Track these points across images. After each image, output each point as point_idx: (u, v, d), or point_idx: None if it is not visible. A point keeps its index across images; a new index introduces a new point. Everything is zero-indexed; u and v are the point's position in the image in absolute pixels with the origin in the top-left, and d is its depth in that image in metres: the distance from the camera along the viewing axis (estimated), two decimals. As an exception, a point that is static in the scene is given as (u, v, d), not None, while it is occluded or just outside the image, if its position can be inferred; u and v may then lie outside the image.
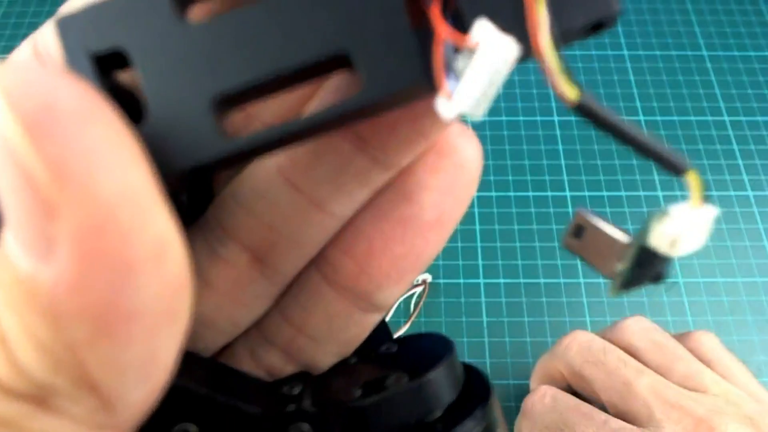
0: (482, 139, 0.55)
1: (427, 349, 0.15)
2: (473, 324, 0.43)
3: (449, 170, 0.13)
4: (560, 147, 0.50)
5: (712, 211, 0.11)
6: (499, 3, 0.10)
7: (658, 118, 0.52)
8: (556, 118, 0.52)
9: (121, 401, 0.09)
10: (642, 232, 0.11)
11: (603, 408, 0.31)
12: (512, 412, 0.39)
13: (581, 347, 0.32)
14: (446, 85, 0.09)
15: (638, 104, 0.53)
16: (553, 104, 0.52)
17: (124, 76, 0.11)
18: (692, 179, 0.11)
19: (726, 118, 0.52)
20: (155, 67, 0.10)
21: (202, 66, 0.10)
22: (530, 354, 0.42)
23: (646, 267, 0.12)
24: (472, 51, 0.09)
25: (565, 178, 0.49)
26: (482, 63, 0.09)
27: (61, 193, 0.08)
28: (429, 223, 0.13)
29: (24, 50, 0.12)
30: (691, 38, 0.57)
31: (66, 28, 0.10)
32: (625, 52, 0.56)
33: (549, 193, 0.48)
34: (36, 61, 0.12)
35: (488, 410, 0.14)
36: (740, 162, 0.50)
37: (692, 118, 0.52)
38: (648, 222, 0.11)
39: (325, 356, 0.15)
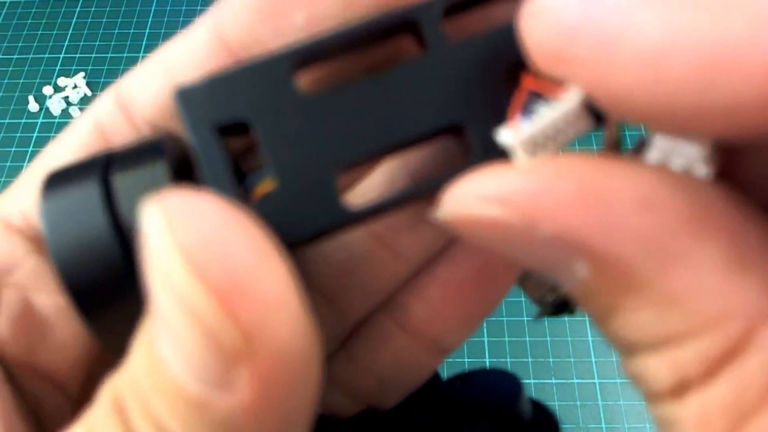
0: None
1: (496, 391, 0.16)
2: (473, 323, 0.43)
3: None
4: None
5: None
6: None
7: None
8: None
9: None
10: None
11: None
12: (512, 410, 0.40)
13: None
14: (517, 119, 0.10)
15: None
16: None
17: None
18: None
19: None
20: (278, 138, 0.11)
21: (324, 137, 0.11)
22: (529, 353, 0.42)
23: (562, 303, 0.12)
24: (553, 100, 0.10)
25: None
26: (554, 109, 0.10)
27: (246, 349, 0.08)
28: (502, 271, 0.13)
29: (106, 102, 0.13)
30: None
31: (186, 99, 0.11)
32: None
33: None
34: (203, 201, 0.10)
35: None
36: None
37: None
38: None
39: (390, 396, 0.15)
